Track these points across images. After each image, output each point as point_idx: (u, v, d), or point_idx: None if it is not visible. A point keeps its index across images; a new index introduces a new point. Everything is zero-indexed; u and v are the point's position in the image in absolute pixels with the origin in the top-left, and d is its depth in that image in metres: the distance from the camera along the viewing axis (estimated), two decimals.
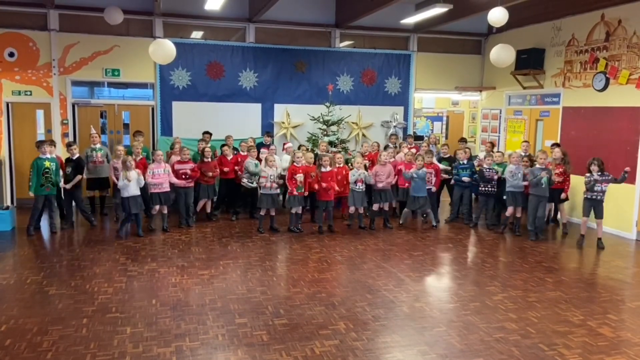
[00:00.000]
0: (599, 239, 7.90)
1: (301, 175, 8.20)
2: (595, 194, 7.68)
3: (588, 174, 7.78)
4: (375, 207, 8.70)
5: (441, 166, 9.40)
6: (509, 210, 8.53)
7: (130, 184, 7.73)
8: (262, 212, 8.36)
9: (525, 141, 9.72)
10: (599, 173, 7.66)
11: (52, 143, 8.58)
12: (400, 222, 9.02)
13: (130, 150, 9.02)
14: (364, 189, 8.41)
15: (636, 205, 8.42)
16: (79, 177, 8.42)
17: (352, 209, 8.56)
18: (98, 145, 9.08)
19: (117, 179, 8.18)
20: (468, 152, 9.33)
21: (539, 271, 6.70)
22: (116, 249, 7.36)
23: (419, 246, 7.80)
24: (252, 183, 8.81)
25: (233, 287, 5.87)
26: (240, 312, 5.18)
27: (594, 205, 7.75)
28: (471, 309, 5.39)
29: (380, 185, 8.54)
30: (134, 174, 7.77)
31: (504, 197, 8.59)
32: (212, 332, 4.73)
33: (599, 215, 7.77)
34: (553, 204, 8.96)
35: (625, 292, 6.13)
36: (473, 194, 9.40)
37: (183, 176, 8.48)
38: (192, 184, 8.63)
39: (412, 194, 8.65)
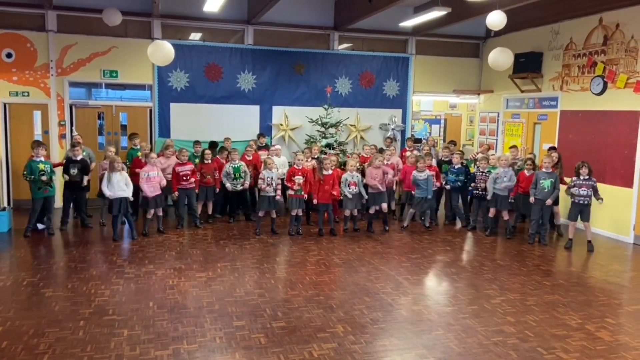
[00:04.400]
0: (589, 241, 7.92)
1: (300, 177, 8.19)
2: (582, 198, 7.70)
3: (574, 177, 7.82)
4: (372, 210, 8.69)
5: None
6: (491, 211, 8.55)
7: (116, 186, 7.66)
8: (261, 214, 8.33)
9: (513, 146, 9.73)
10: (587, 177, 7.68)
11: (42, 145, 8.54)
12: (405, 224, 9.00)
13: (134, 152, 9.04)
14: (357, 192, 8.40)
15: (634, 209, 8.43)
16: (87, 177, 8.39)
17: (347, 212, 8.54)
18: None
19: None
20: (463, 156, 9.36)
21: (537, 274, 6.70)
22: (113, 251, 7.33)
23: (417, 249, 7.80)
24: (235, 186, 8.82)
25: (231, 290, 5.85)
26: (238, 314, 5.16)
27: (580, 209, 7.76)
28: (469, 312, 5.38)
29: (371, 188, 8.54)
30: (117, 175, 7.70)
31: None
32: (209, 334, 4.71)
33: (585, 218, 7.79)
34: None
35: (623, 295, 6.13)
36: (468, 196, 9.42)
37: (184, 178, 8.48)
38: (192, 185, 8.61)
39: (419, 196, 8.67)
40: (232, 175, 8.77)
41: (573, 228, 7.99)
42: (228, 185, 8.84)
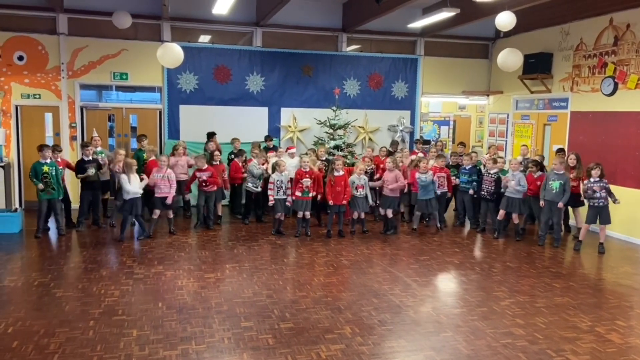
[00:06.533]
0: (601, 243, 7.85)
1: (307, 179, 8.20)
2: (597, 200, 7.62)
3: (586, 181, 7.75)
4: (382, 211, 8.69)
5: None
6: (500, 213, 8.48)
7: (131, 187, 7.73)
8: (277, 216, 8.37)
9: (524, 145, 9.69)
10: (598, 179, 7.61)
11: (57, 148, 8.57)
12: (414, 227, 8.97)
13: (140, 153, 9.09)
14: (364, 194, 8.39)
15: None
16: (100, 172, 8.47)
17: (355, 214, 8.54)
18: (99, 149, 8.95)
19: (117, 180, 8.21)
20: (474, 157, 9.30)
21: (547, 276, 6.65)
22: (123, 251, 7.38)
23: (425, 251, 7.77)
24: (256, 187, 8.85)
25: (239, 291, 5.87)
26: (246, 315, 5.18)
27: (598, 212, 7.68)
28: (478, 314, 5.36)
29: (386, 191, 8.55)
30: (134, 177, 7.77)
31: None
32: (218, 335, 4.73)
33: (604, 221, 7.68)
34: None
35: (634, 298, 6.07)
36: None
37: (203, 184, 8.56)
38: (214, 189, 8.67)
39: (420, 198, 8.64)
40: (257, 176, 8.86)
41: (585, 230, 7.92)
42: (249, 185, 8.90)
